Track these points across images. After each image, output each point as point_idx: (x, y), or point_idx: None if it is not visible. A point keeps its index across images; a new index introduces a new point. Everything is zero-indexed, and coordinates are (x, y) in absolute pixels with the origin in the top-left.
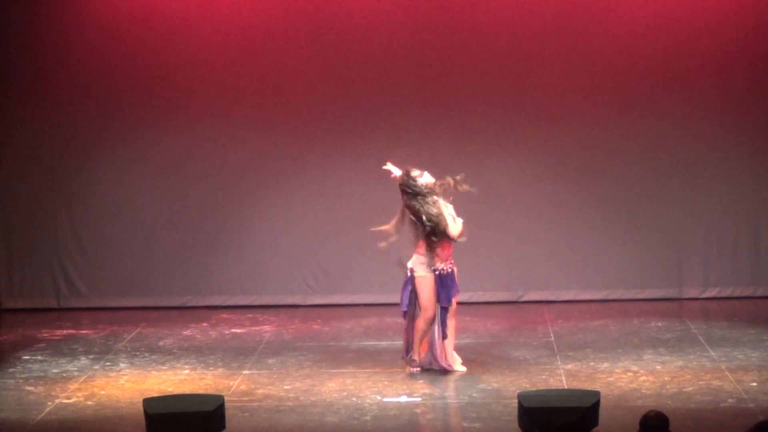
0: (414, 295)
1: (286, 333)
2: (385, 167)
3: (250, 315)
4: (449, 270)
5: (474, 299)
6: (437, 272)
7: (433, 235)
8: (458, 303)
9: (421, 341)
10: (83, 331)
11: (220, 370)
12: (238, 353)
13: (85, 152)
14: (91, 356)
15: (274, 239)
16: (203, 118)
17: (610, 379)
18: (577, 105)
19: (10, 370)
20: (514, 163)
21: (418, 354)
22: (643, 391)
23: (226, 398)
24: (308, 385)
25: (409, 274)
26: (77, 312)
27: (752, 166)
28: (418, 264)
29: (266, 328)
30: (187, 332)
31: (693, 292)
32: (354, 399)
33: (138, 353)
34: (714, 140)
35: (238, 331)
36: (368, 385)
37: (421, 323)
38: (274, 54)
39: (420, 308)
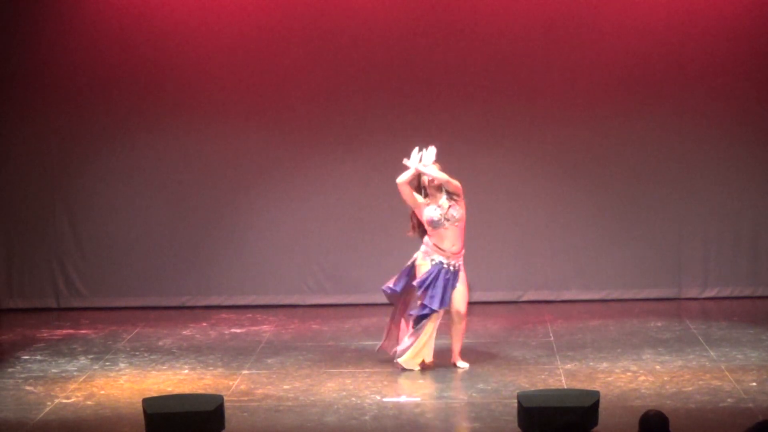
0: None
1: (285, 333)
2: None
3: (250, 315)
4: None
5: (473, 299)
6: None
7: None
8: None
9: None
10: (82, 331)
11: (220, 369)
12: (237, 353)
13: (84, 152)
14: (90, 356)
15: (274, 239)
16: (202, 118)
17: (609, 379)
18: (576, 105)
19: (10, 370)
20: (514, 163)
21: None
22: (643, 391)
23: (225, 398)
24: (307, 385)
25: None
26: (76, 312)
27: (751, 166)
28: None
29: (265, 327)
30: (186, 332)
31: (692, 292)
32: (353, 399)
33: (137, 353)
34: (713, 141)
35: (238, 331)
36: (367, 384)
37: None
38: (274, 55)
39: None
